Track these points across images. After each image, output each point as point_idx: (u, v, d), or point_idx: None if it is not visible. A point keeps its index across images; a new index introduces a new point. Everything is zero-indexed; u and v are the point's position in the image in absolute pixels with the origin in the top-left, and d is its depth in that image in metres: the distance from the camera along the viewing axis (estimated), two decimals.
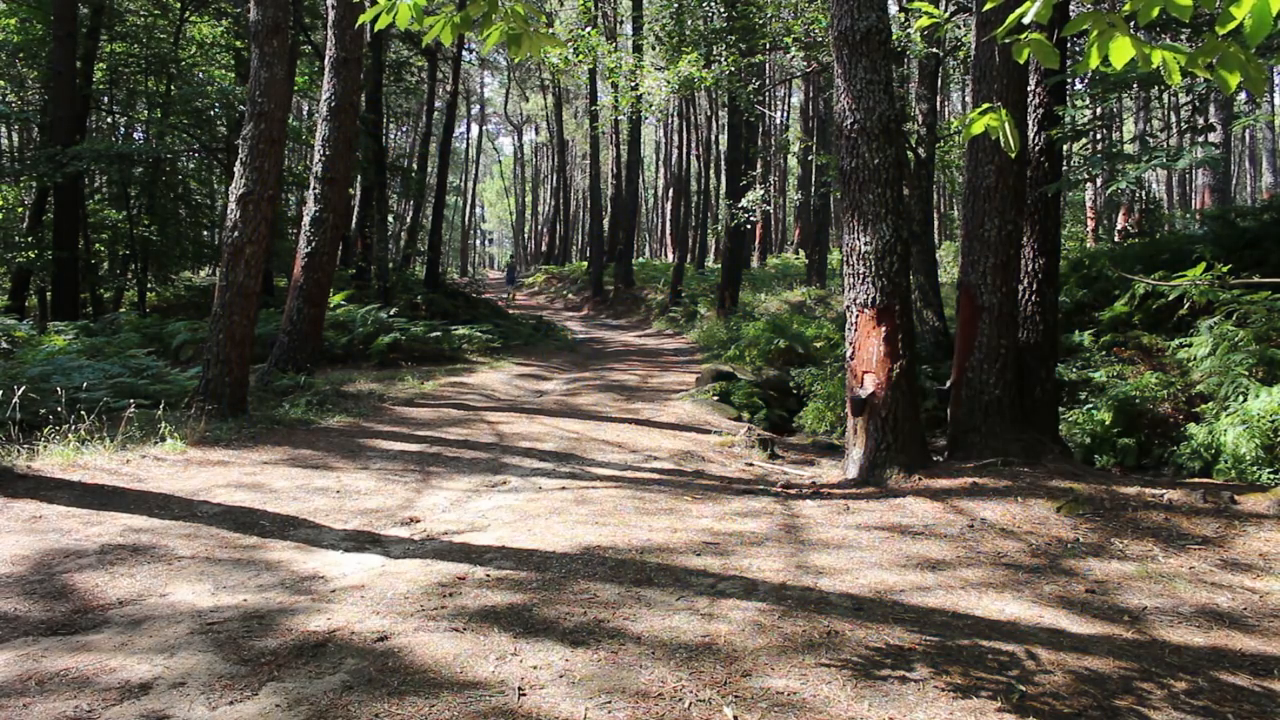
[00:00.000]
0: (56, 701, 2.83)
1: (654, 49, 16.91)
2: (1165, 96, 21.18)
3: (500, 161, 65.03)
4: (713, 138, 30.88)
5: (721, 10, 14.11)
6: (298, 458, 6.96)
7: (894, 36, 10.16)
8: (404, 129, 37.50)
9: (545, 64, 18.23)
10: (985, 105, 2.74)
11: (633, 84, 14.40)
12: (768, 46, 14.18)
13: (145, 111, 19.10)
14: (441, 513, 5.39)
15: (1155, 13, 2.01)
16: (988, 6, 3.99)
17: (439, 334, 14.62)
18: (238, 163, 8.43)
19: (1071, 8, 9.25)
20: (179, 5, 17.86)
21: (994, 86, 6.49)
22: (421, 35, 11.18)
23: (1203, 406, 7.70)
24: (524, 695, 2.87)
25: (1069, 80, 9.53)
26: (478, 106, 53.07)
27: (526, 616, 3.56)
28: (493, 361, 14.21)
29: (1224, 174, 20.56)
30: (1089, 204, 21.75)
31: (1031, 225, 6.95)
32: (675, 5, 14.29)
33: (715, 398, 10.51)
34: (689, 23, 14.25)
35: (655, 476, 6.64)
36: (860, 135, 6.18)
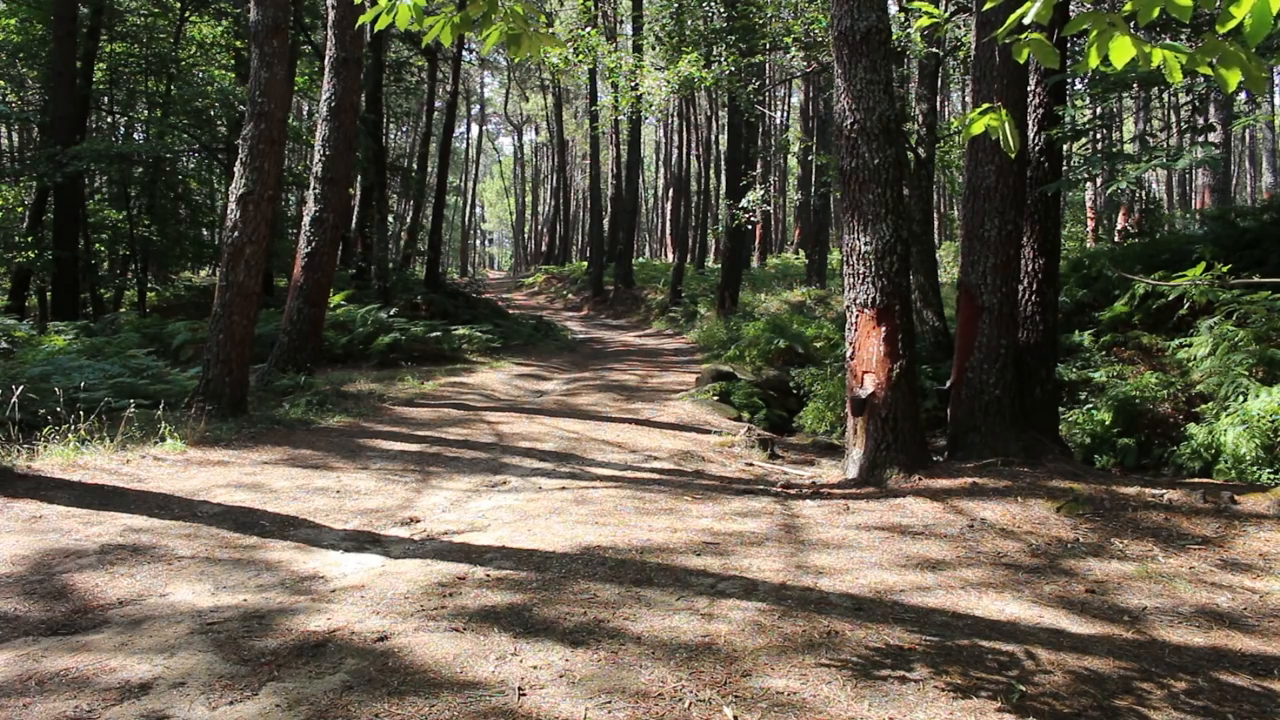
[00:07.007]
0: (56, 701, 2.83)
1: (654, 49, 16.89)
2: (1165, 96, 21.16)
3: (500, 161, 65.01)
4: (713, 138, 30.85)
5: (721, 10, 14.10)
6: (298, 458, 6.96)
7: (894, 36, 10.16)
8: (404, 129, 37.48)
9: (545, 64, 18.20)
10: (985, 105, 2.74)
11: (633, 84, 14.39)
12: (768, 46, 14.17)
13: (145, 111, 19.11)
14: (441, 513, 5.39)
15: (1155, 13, 2.01)
16: (987, 6, 3.99)
17: (439, 334, 14.61)
18: (238, 163, 8.43)
19: (1072, 8, 9.24)
20: (179, 5, 17.86)
21: (994, 86, 6.49)
22: (421, 35, 11.18)
23: (1203, 406, 7.70)
24: (524, 695, 2.87)
25: (1069, 80, 9.53)
26: (478, 106, 53.05)
27: (526, 616, 3.56)
28: (492, 361, 14.21)
29: (1224, 174, 20.55)
30: (1089, 204, 21.75)
31: (1031, 225, 6.95)
32: (675, 5, 14.28)
33: (715, 398, 10.50)
34: (689, 23, 14.25)
35: (655, 476, 6.64)
36: (860, 135, 6.18)
